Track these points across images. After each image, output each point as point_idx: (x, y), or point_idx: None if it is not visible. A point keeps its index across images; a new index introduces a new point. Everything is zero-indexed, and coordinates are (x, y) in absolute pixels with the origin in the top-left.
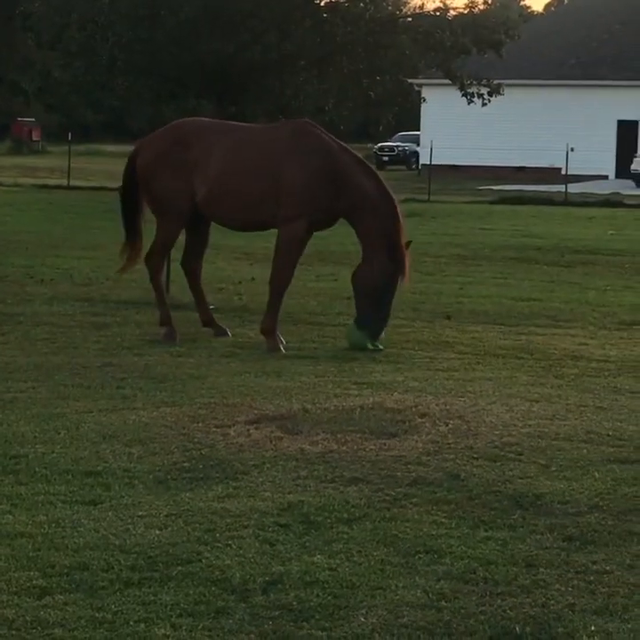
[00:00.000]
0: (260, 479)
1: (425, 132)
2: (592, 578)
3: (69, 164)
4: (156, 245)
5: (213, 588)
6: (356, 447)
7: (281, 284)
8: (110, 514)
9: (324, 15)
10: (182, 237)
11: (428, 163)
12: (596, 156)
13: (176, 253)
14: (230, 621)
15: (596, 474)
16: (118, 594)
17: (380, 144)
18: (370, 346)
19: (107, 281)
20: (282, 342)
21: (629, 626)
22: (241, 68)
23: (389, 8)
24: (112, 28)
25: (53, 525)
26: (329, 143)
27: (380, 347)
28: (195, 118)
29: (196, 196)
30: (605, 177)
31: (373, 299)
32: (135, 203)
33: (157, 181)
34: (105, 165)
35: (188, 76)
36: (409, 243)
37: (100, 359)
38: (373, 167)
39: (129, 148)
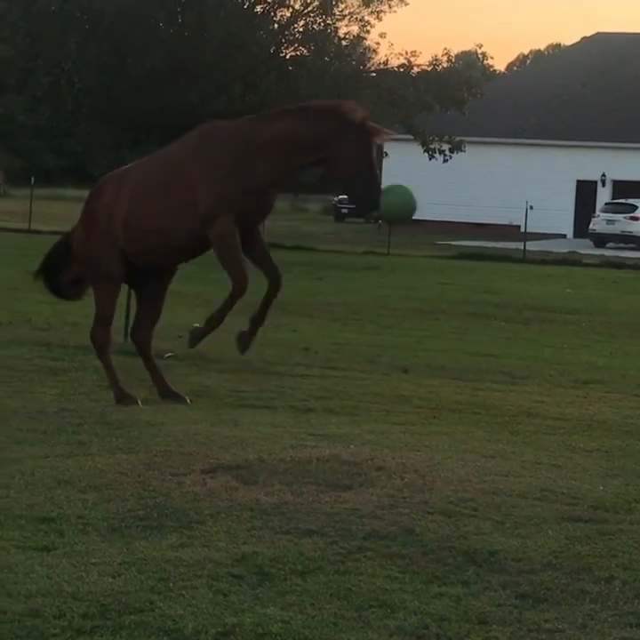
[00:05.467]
0: (215, 529)
1: (386, 186)
2: (544, 636)
3: (31, 208)
4: (95, 318)
5: (165, 638)
6: (311, 499)
7: (241, 285)
8: (63, 560)
9: (290, 68)
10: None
11: None
12: (554, 214)
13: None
14: None
15: (550, 532)
16: None
17: (340, 196)
18: None
19: (65, 326)
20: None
21: None
22: (205, 117)
23: (354, 63)
24: (78, 74)
25: (6, 571)
26: (234, 130)
27: None
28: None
29: (120, 241)
30: (563, 236)
31: None
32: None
33: (83, 243)
34: (66, 210)
35: (151, 123)
36: None
37: (56, 404)
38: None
39: None
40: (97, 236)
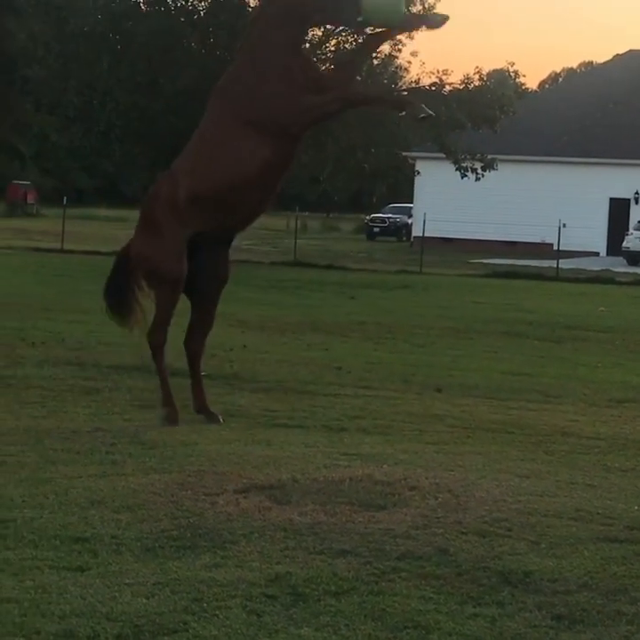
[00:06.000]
0: (248, 549)
1: (418, 205)
2: None
3: (63, 228)
4: (155, 320)
5: None
6: (344, 519)
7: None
8: (97, 581)
9: None
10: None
11: (421, 235)
12: (587, 232)
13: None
14: None
15: (586, 552)
16: None
17: (372, 215)
18: None
19: (99, 345)
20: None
21: None
22: None
23: (385, 81)
24: (110, 94)
25: (40, 591)
26: (232, 70)
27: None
28: None
29: (192, 226)
30: (597, 254)
31: None
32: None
33: (143, 247)
34: (99, 230)
35: (185, 143)
36: None
37: (90, 424)
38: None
39: (122, 213)
40: (158, 235)
